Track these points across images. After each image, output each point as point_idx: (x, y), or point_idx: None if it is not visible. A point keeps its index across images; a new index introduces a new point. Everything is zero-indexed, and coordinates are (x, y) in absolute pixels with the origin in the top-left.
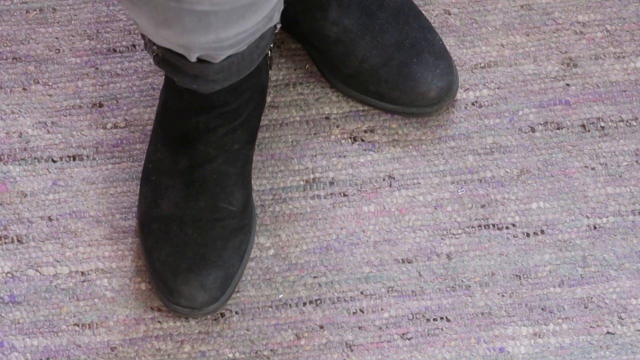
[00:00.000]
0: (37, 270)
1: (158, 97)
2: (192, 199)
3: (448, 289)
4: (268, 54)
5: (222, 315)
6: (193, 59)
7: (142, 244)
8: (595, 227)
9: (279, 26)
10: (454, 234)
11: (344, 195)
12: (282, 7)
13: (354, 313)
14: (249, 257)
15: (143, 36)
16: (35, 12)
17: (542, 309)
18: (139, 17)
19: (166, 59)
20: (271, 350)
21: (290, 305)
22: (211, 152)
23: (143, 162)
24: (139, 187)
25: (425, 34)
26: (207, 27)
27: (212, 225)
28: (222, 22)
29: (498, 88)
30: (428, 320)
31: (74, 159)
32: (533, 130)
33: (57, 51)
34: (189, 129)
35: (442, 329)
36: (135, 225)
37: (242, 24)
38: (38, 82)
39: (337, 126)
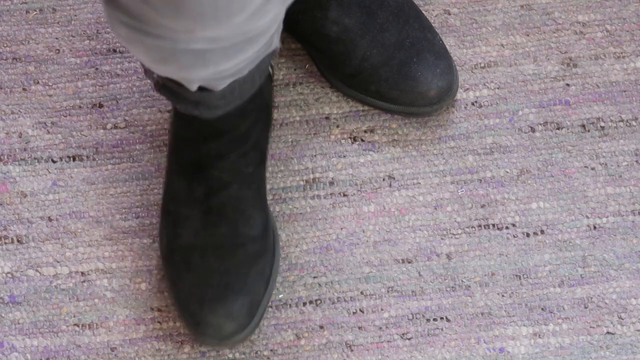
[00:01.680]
0: (37, 271)
1: (158, 98)
2: (211, 226)
3: (448, 289)
4: (270, 71)
5: None
6: (194, 89)
7: (167, 276)
8: (595, 227)
9: (278, 48)
10: (454, 234)
11: (344, 195)
12: (280, 31)
13: (354, 313)
14: (275, 280)
15: (142, 63)
16: (35, 12)
17: (542, 309)
18: (136, 53)
19: (167, 85)
20: (271, 350)
21: (290, 305)
22: (226, 178)
23: (161, 194)
24: (159, 220)
25: (425, 34)
26: (204, 64)
27: (234, 251)
28: (219, 57)
29: (498, 88)
30: (428, 320)
31: (74, 159)
32: (533, 130)
33: (57, 51)
34: (201, 157)
35: (442, 329)
36: (160, 259)
37: (241, 57)
38: (38, 82)
39: (337, 126)
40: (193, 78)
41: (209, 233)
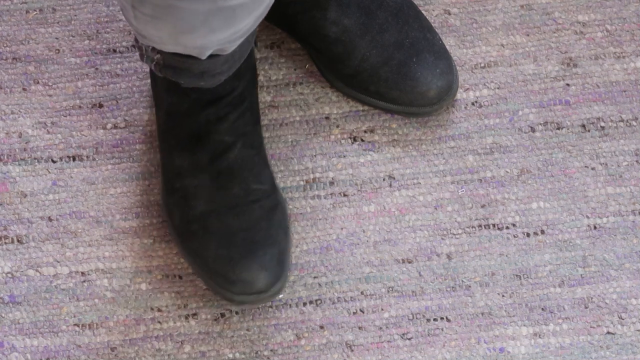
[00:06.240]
0: (37, 271)
1: None
2: (223, 189)
3: (448, 289)
4: None
5: (222, 315)
6: (205, 57)
7: (187, 250)
8: (595, 227)
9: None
10: (454, 234)
11: (344, 195)
12: None
13: (354, 313)
14: (291, 231)
15: (140, 48)
16: (35, 12)
17: (543, 309)
18: (158, 30)
19: (169, 64)
20: (271, 350)
21: (290, 305)
22: (228, 140)
23: (161, 177)
24: (161, 204)
25: (425, 34)
26: (232, 23)
27: (251, 208)
28: (246, 12)
29: (498, 88)
30: (428, 320)
31: (74, 159)
32: (533, 130)
33: (57, 51)
34: (200, 125)
35: (442, 329)
36: (175, 239)
37: (260, 9)
38: (38, 82)
39: (337, 126)
40: (213, 43)
41: (222, 196)
